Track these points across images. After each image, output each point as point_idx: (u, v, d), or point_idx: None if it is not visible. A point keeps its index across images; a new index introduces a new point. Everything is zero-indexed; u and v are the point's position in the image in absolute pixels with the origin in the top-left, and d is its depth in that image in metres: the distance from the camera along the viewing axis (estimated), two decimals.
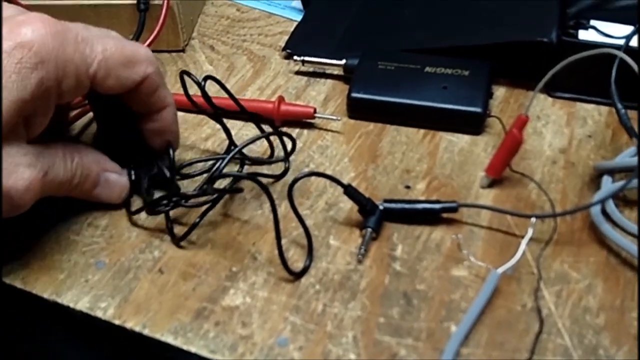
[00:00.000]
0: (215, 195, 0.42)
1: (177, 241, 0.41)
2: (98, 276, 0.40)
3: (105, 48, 0.38)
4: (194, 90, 0.44)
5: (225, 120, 0.46)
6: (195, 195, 0.41)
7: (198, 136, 0.49)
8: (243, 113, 0.45)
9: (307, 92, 0.53)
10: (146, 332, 0.37)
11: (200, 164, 0.46)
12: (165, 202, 0.42)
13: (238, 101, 0.45)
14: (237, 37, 0.60)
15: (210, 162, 0.46)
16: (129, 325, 0.37)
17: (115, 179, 0.43)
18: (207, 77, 0.43)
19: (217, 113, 0.45)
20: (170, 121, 0.43)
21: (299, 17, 0.61)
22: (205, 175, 0.44)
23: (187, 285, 0.39)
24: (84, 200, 0.42)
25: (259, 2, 0.64)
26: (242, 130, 0.49)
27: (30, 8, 0.55)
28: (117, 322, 0.37)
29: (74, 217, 0.43)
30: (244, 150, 0.45)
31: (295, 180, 0.39)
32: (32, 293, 0.39)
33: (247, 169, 0.46)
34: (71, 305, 0.38)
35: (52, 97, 0.37)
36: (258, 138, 0.44)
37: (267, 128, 0.46)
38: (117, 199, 0.43)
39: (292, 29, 0.59)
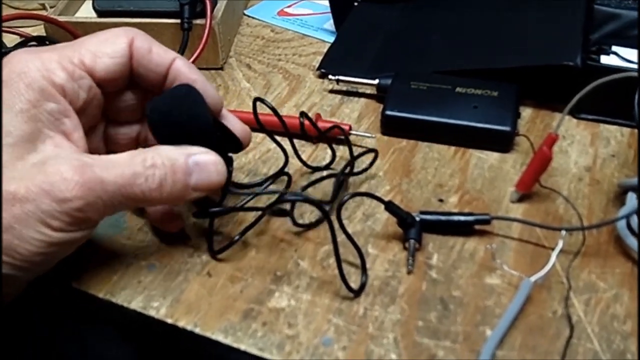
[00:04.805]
0: (260, 214, 0.43)
1: (214, 254, 0.43)
2: (150, 278, 0.42)
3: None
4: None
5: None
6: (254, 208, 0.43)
7: None
8: (320, 133, 0.49)
9: (342, 110, 0.56)
10: (197, 330, 0.39)
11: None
12: (214, 209, 0.43)
13: (315, 123, 0.49)
14: (273, 57, 0.62)
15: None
16: (180, 324, 0.39)
17: (205, 157, 0.39)
18: (307, 114, 0.47)
19: (290, 134, 0.47)
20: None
21: (331, 39, 0.63)
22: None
23: (234, 288, 0.41)
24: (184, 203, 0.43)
25: (292, 23, 0.67)
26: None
27: (80, 26, 0.58)
28: (169, 321, 0.39)
29: (124, 222, 0.45)
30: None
31: (342, 204, 0.40)
32: (86, 292, 0.41)
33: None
34: (125, 304, 0.40)
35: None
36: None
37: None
38: (219, 177, 0.39)
39: (324, 50, 0.61)
